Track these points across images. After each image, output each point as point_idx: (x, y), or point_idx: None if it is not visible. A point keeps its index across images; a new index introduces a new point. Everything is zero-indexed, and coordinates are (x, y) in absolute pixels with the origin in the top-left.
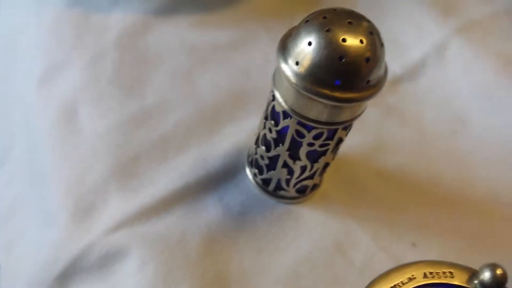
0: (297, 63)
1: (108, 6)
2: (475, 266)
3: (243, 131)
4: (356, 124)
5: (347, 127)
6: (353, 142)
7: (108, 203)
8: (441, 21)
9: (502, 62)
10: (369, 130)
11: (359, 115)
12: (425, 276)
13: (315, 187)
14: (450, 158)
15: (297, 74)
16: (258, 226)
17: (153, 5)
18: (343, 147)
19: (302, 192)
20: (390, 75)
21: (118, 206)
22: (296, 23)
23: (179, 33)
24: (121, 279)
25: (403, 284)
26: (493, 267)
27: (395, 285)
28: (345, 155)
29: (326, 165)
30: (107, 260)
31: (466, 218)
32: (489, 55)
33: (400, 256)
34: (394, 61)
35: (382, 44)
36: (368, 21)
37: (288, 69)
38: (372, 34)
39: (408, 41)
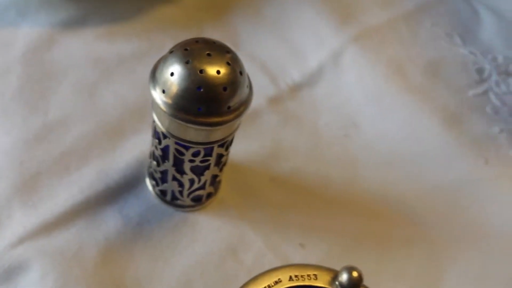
0: (163, 91)
1: (15, 20)
2: (358, 264)
3: (145, 143)
4: (253, 132)
5: (223, 145)
6: (250, 149)
7: (11, 219)
8: (339, 29)
9: (392, 67)
10: (267, 137)
11: (231, 133)
12: (290, 279)
13: (210, 195)
14: (342, 161)
15: (164, 102)
16: (155, 235)
17: (61, 18)
18: (240, 154)
19: (198, 200)
20: (290, 83)
21: (20, 222)
22: (204, 34)
23: (85, 46)
24: None
25: (269, 287)
26: (350, 269)
27: None
28: (242, 162)
29: (215, 176)
30: (11, 274)
31: (353, 218)
32: (381, 62)
33: (288, 256)
34: (294, 69)
35: (241, 72)
36: (228, 52)
37: (157, 96)
38: (230, 64)
39: (308, 49)
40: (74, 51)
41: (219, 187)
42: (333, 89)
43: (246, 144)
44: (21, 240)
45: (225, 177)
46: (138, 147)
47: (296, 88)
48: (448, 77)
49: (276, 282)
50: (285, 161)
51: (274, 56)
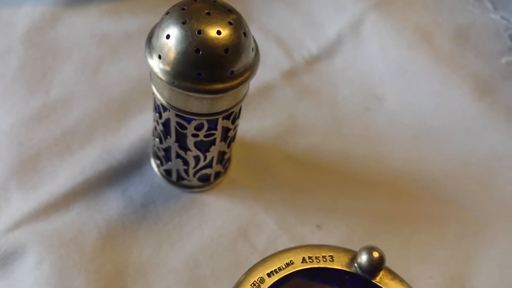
0: (160, 57)
1: None
2: (382, 247)
3: (150, 122)
4: (267, 108)
5: (229, 116)
6: (264, 125)
7: (8, 202)
8: None
9: (418, 35)
10: (281, 112)
11: (237, 103)
12: (303, 260)
13: (219, 174)
14: (363, 136)
15: (161, 69)
16: (160, 217)
17: None
18: (253, 131)
19: (206, 180)
20: (307, 55)
21: (18, 205)
22: None
23: (89, 23)
24: (21, 277)
25: (280, 269)
26: (370, 250)
27: (272, 271)
28: (255, 139)
29: (223, 153)
30: (7, 259)
31: (376, 198)
32: (405, 29)
33: (304, 239)
34: (310, 40)
35: (245, 34)
36: (231, 11)
37: (154, 63)
38: (232, 24)
39: (325, 19)
40: (78, 29)
41: (228, 165)
42: (353, 60)
43: (260, 120)
44: (18, 224)
45: (236, 155)
46: (143, 126)
47: (313, 61)
48: (478, 44)
49: (287, 264)
50: (302, 138)
51: (289, 28)
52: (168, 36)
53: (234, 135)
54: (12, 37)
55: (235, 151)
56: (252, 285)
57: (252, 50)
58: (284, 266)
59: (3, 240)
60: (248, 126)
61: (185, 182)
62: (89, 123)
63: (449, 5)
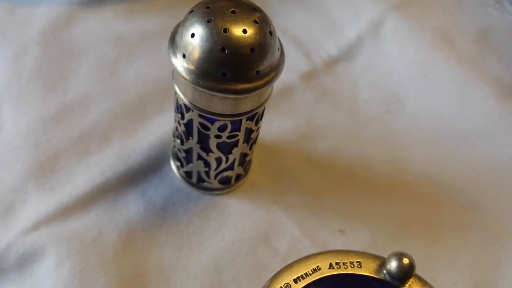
0: (184, 56)
1: None
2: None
3: (169, 123)
4: (286, 110)
5: (252, 117)
6: (284, 128)
7: (26, 203)
8: None
9: (438, 37)
10: (301, 115)
11: (262, 104)
12: (330, 266)
13: (240, 177)
14: (384, 140)
15: (185, 68)
16: (180, 220)
17: None
18: (272, 133)
19: (227, 183)
20: (326, 57)
21: (36, 206)
22: None
23: (105, 24)
24: (39, 279)
25: (307, 275)
26: (400, 256)
27: (298, 277)
28: (275, 142)
29: (244, 155)
30: (25, 261)
31: (399, 202)
32: (426, 31)
33: (326, 244)
34: (329, 42)
35: (271, 33)
36: (256, 10)
37: (178, 62)
38: (258, 23)
39: (344, 20)
40: (94, 30)
41: (249, 168)
42: (374, 62)
43: (279, 123)
44: (36, 226)
45: (256, 158)
46: (162, 127)
47: (332, 63)
48: (500, 46)
49: (314, 270)
50: (322, 141)
51: (308, 30)
52: (192, 35)
53: (256, 137)
54: (28, 37)
55: (255, 153)
56: None
57: (278, 50)
58: (310, 272)
59: (21, 242)
60: (268, 129)
61: (205, 184)
62: (107, 124)
63: (469, 8)
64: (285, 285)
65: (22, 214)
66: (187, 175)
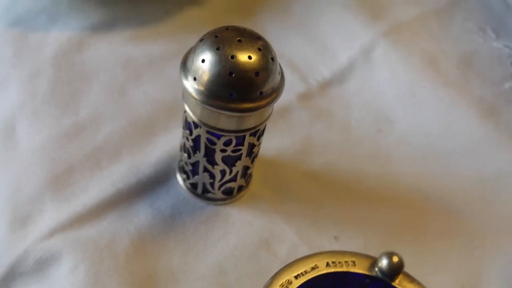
0: (195, 79)
1: (46, 25)
2: None
3: (175, 140)
4: (284, 128)
5: (255, 133)
6: (282, 144)
7: (43, 213)
8: (369, 24)
9: (425, 61)
10: (298, 133)
11: (263, 122)
12: (327, 265)
13: (242, 188)
14: (375, 156)
15: (196, 89)
16: (187, 227)
17: (90, 22)
18: (272, 149)
19: (229, 193)
20: (320, 80)
21: (52, 215)
22: None
23: (114, 48)
24: (56, 281)
25: (306, 272)
26: (390, 255)
27: (298, 274)
28: (274, 157)
29: (246, 168)
30: (43, 264)
31: (390, 211)
32: (413, 55)
33: (322, 248)
34: (323, 66)
35: (273, 59)
36: (259, 38)
37: (189, 84)
38: (261, 50)
39: (337, 46)
40: (104, 54)
41: (250, 180)
42: (365, 85)
43: (278, 140)
44: (53, 232)
45: (256, 171)
46: (168, 143)
47: (326, 85)
48: (482, 70)
49: (313, 268)
50: (317, 157)
51: (303, 54)
52: (203, 60)
53: (258, 152)
54: (41, 61)
55: (256, 167)
56: (281, 285)
57: (278, 74)
58: (309, 270)
59: (39, 247)
60: (268, 145)
61: (210, 195)
62: (117, 141)
63: (454, 34)
64: (286, 281)
65: (39, 222)
66: (193, 187)
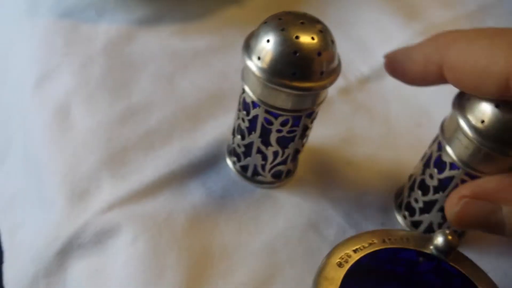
0: (259, 58)
1: (95, 18)
2: None
3: (222, 126)
4: (328, 119)
5: (310, 115)
6: (325, 134)
7: (100, 189)
8: (405, 25)
9: None
10: (340, 124)
11: (320, 103)
12: (383, 241)
13: (289, 173)
14: (415, 148)
15: (259, 68)
16: (238, 208)
17: (136, 16)
18: (316, 138)
19: (278, 177)
20: (358, 75)
21: (110, 191)
22: None
23: (161, 41)
24: (115, 253)
25: (364, 247)
26: (445, 232)
27: (356, 249)
28: (318, 146)
29: (297, 151)
30: (102, 237)
31: None
32: None
33: None
34: (362, 62)
35: (332, 41)
36: (319, 22)
37: (252, 64)
38: (322, 32)
39: (375, 44)
40: (151, 46)
41: (297, 166)
42: None
43: (321, 131)
44: (112, 206)
45: (303, 158)
46: (216, 130)
47: (365, 81)
48: None
49: (370, 244)
50: (359, 147)
51: (341, 51)
52: (268, 41)
53: (308, 135)
54: (92, 50)
55: (302, 155)
56: (341, 258)
57: (337, 57)
58: (366, 245)
59: (98, 221)
60: (312, 134)
61: (259, 177)
62: (168, 125)
63: None
64: (345, 254)
65: (97, 197)
66: (243, 169)
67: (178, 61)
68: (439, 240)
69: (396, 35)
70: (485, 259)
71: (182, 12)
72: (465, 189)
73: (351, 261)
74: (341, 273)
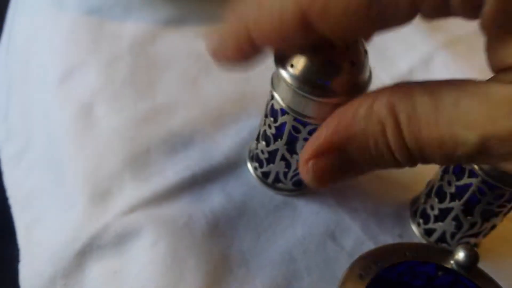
0: (292, 66)
1: (121, 15)
2: None
3: (244, 130)
4: None
5: None
6: None
7: (122, 190)
8: (428, 36)
9: (485, 75)
10: None
11: None
12: (404, 255)
13: None
14: None
15: (291, 75)
16: (257, 214)
17: (162, 16)
18: None
19: (298, 185)
20: (379, 84)
21: (131, 192)
22: None
23: (186, 42)
24: (135, 255)
25: (385, 260)
26: (467, 247)
27: (377, 261)
28: None
29: None
30: (122, 239)
31: None
32: (473, 68)
33: None
34: (383, 71)
35: (365, 51)
36: None
37: (284, 71)
38: (356, 42)
39: (397, 54)
40: (176, 47)
41: None
42: None
43: None
44: (133, 208)
45: None
46: (238, 134)
47: None
48: None
49: (391, 256)
50: None
51: None
52: None
53: None
54: (118, 48)
55: None
56: (362, 270)
57: (369, 68)
58: (387, 258)
59: (118, 222)
60: None
61: (280, 185)
62: (191, 128)
63: None
64: (366, 266)
65: (119, 198)
66: (264, 176)
67: (202, 63)
68: (460, 255)
69: (418, 46)
70: (501, 275)
71: (207, 13)
72: (305, 153)
73: (372, 273)
74: (362, 285)
